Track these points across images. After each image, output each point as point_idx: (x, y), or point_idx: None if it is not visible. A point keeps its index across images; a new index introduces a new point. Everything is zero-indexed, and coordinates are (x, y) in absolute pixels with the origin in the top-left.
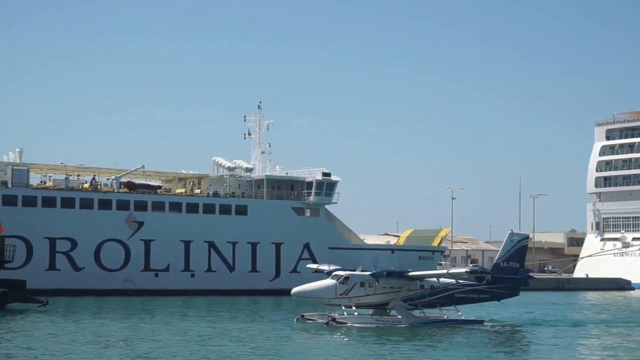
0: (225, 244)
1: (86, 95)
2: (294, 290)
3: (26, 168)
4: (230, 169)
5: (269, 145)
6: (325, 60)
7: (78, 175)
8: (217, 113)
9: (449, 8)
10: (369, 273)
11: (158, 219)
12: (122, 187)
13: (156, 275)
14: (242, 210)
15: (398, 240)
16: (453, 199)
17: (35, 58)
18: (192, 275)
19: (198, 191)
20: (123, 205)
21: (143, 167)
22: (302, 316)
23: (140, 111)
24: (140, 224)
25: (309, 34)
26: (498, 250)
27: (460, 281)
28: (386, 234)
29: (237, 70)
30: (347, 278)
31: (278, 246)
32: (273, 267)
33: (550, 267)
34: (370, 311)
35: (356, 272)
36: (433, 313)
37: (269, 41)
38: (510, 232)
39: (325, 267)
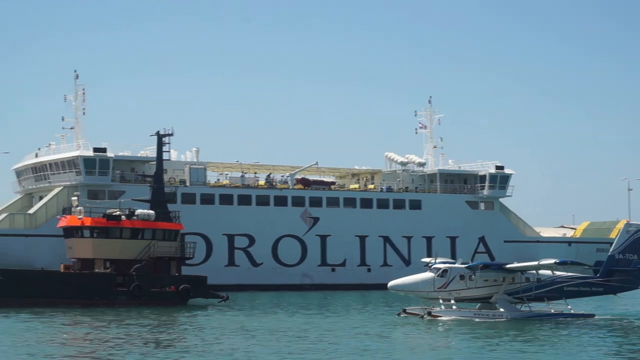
0: (400, 239)
1: (259, 93)
2: (391, 283)
3: (203, 167)
4: (402, 163)
5: (441, 140)
6: (496, 54)
7: (255, 173)
8: (388, 108)
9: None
10: (465, 265)
11: (333, 214)
12: (297, 183)
13: (333, 270)
14: (416, 205)
15: (575, 232)
16: (629, 190)
17: (211, 62)
18: (369, 270)
19: (371, 186)
20: (298, 202)
21: (317, 163)
22: (404, 310)
23: (312, 109)
24: (316, 219)
25: (480, 29)
26: None
27: (571, 274)
28: (562, 227)
29: (407, 65)
30: (445, 271)
31: (453, 240)
32: None
33: None
34: (477, 305)
35: (455, 265)
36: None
37: (438, 37)
38: (625, 222)
39: (439, 260)
